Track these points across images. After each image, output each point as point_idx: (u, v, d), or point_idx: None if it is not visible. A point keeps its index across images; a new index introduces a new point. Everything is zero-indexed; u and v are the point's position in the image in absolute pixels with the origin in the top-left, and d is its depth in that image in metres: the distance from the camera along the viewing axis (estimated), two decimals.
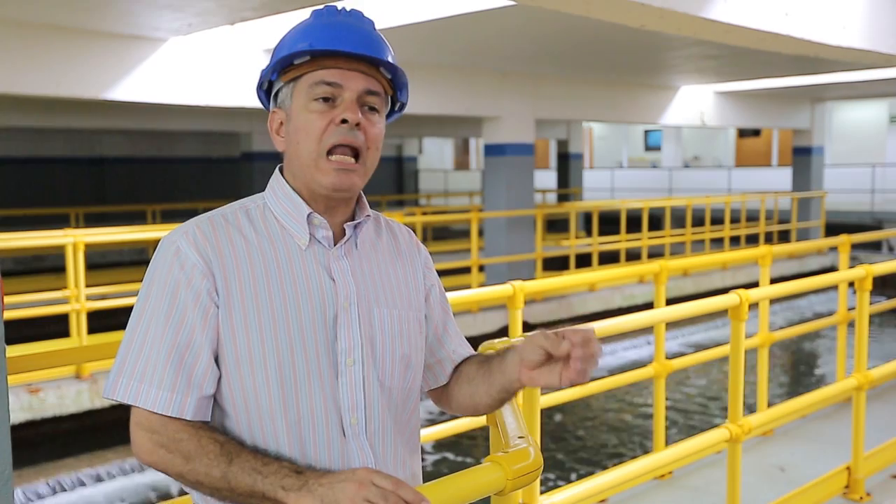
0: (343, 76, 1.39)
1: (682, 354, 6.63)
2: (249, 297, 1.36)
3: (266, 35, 7.66)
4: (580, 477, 6.31)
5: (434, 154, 30.92)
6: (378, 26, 1.48)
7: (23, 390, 6.22)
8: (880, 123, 22.07)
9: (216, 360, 1.36)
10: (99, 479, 6.47)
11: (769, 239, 15.04)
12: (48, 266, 12.03)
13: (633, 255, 12.82)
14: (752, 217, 15.50)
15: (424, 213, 13.97)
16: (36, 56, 6.81)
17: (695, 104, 13.56)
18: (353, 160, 1.39)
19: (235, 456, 1.28)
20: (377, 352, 1.43)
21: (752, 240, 14.59)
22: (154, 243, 12.35)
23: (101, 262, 12.80)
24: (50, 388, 6.30)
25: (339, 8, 1.45)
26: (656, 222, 14.86)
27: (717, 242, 14.36)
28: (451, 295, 1.66)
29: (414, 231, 1.77)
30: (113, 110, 12.22)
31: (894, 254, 15.04)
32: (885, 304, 6.64)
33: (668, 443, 4.19)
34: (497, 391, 1.48)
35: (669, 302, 3.84)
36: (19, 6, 6.28)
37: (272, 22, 7.10)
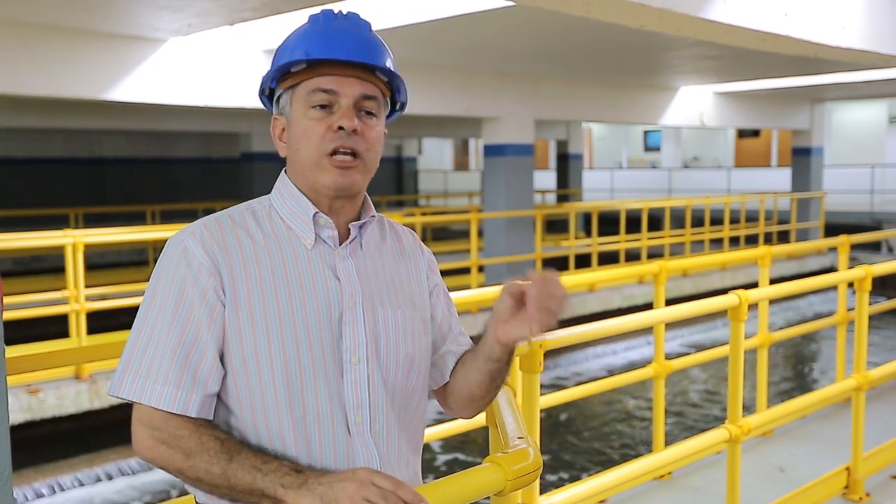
0: (339, 83, 1.41)
1: (681, 355, 6.62)
2: (256, 296, 1.37)
3: (266, 35, 7.66)
4: (576, 479, 6.31)
5: (433, 155, 30.93)
6: (377, 27, 1.49)
7: (22, 391, 6.22)
8: (880, 124, 22.08)
9: (221, 358, 1.37)
10: (98, 480, 6.47)
11: (768, 239, 15.04)
12: (48, 266, 12.02)
13: (633, 256, 12.82)
14: (752, 217, 15.51)
15: (424, 214, 13.97)
16: (36, 56, 6.81)
17: (694, 105, 13.57)
18: (352, 158, 1.41)
19: (236, 453, 1.28)
20: (381, 351, 1.44)
21: (752, 240, 14.59)
22: (153, 244, 12.39)
23: (101, 263, 12.81)
24: (49, 388, 6.29)
25: (336, 12, 1.46)
26: (656, 223, 14.86)
27: (717, 243, 14.36)
28: (450, 295, 1.67)
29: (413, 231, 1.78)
30: (112, 111, 12.22)
31: (894, 254, 15.04)
32: (885, 304, 6.64)
33: (667, 443, 4.19)
34: (482, 361, 1.49)
35: (669, 302, 3.84)
36: (19, 6, 6.28)
37: (272, 22, 7.10)
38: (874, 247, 15.24)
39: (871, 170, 18.88)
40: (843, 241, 5.97)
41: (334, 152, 1.40)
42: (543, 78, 11.10)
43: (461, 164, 32.05)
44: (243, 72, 8.05)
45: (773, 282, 4.78)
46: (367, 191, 1.52)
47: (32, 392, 6.24)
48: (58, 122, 12.57)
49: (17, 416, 6.08)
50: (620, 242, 12.07)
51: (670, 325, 9.66)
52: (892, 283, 11.40)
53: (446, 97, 9.95)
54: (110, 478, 6.51)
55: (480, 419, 2.62)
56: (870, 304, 4.14)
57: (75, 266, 6.63)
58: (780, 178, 19.76)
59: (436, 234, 16.73)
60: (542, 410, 2.77)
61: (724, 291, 3.34)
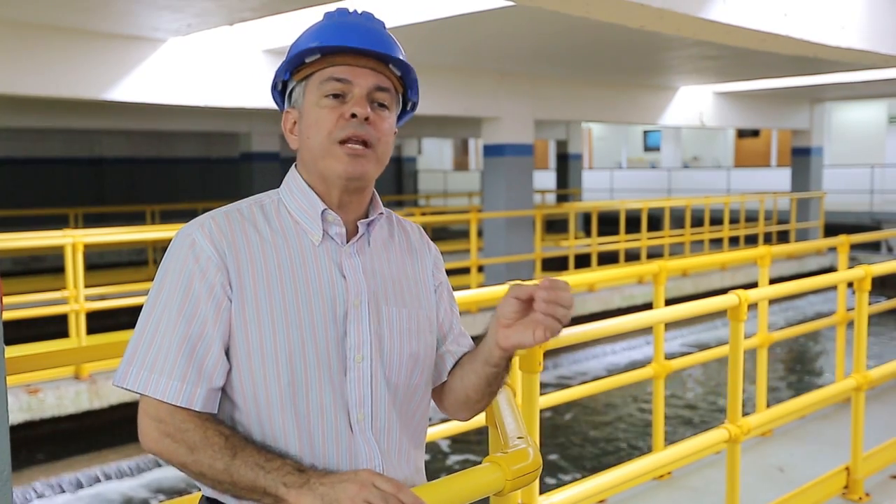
0: (352, 72, 1.41)
1: (681, 355, 6.63)
2: (262, 292, 1.38)
3: (265, 35, 7.66)
4: (575, 479, 6.31)
5: (433, 154, 30.94)
6: None
7: (22, 391, 6.22)
8: (879, 124, 22.08)
9: (227, 353, 1.38)
10: (97, 480, 6.47)
11: (768, 239, 15.04)
12: (47, 266, 12.02)
13: (633, 256, 12.83)
14: (751, 217, 15.51)
15: (424, 214, 13.99)
16: (35, 56, 6.81)
17: (694, 105, 13.56)
18: (363, 146, 1.41)
19: (240, 450, 1.29)
20: (385, 349, 1.44)
21: (751, 240, 14.59)
22: (153, 244, 12.39)
23: (100, 263, 12.81)
24: (49, 388, 6.29)
25: (352, 10, 1.47)
26: (655, 223, 14.87)
27: (716, 243, 14.36)
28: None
29: None
30: (112, 111, 12.22)
31: (893, 254, 15.04)
32: (884, 304, 6.64)
33: (667, 443, 4.19)
34: (480, 364, 1.48)
35: (669, 302, 3.84)
36: (19, 6, 6.28)
37: (271, 22, 7.09)
38: (874, 247, 15.24)
39: (871, 170, 18.89)
40: (843, 241, 5.97)
41: (346, 140, 1.40)
42: (543, 78, 11.10)
43: (461, 164, 32.06)
44: (243, 72, 8.05)
45: (772, 282, 4.78)
46: None
47: (32, 392, 6.23)
48: (57, 122, 12.57)
49: (16, 416, 6.08)
50: (620, 242, 12.07)
51: (670, 325, 9.66)
52: (891, 283, 11.39)
53: (446, 97, 9.95)
54: (110, 478, 6.51)
55: (480, 419, 2.62)
56: (869, 303, 4.14)
57: (75, 266, 6.62)
58: (779, 178, 19.76)
59: (435, 234, 16.75)
60: (541, 410, 2.77)
61: (723, 291, 3.34)
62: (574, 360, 10.04)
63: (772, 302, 9.78)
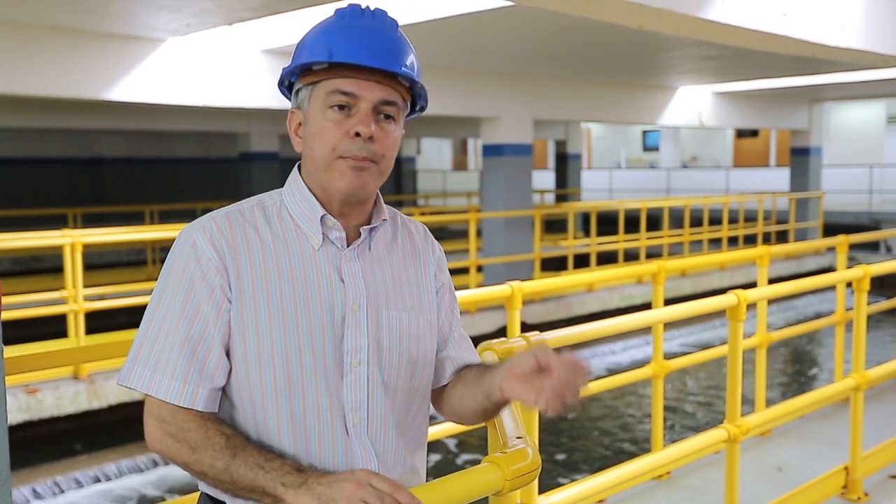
0: (359, 86, 1.40)
1: (680, 354, 6.62)
2: (260, 295, 1.38)
3: (264, 35, 7.66)
4: (574, 479, 6.31)
5: (432, 154, 30.94)
6: None
7: (20, 391, 6.22)
8: (878, 124, 22.09)
9: (227, 354, 1.39)
10: (97, 480, 6.46)
11: (767, 239, 15.05)
12: (46, 266, 12.02)
13: (632, 256, 12.83)
14: (750, 217, 15.51)
15: (423, 214, 13.98)
16: (34, 56, 6.81)
17: (693, 105, 13.57)
18: (366, 162, 1.41)
19: (240, 450, 1.30)
20: (383, 353, 1.44)
21: (750, 240, 14.60)
22: (152, 244, 12.39)
23: (99, 263, 12.80)
24: (48, 388, 6.29)
25: (364, 8, 1.44)
26: (654, 223, 14.88)
27: (715, 243, 14.36)
28: None
29: None
30: (111, 111, 12.21)
31: (892, 254, 15.05)
32: (883, 304, 6.65)
33: (666, 443, 4.19)
34: (481, 395, 1.47)
35: (668, 302, 3.84)
36: (18, 6, 6.28)
37: (270, 22, 7.09)
38: (872, 247, 15.25)
39: (870, 170, 18.90)
40: (842, 240, 5.97)
41: (348, 157, 1.40)
42: (542, 78, 11.10)
43: (460, 164, 32.06)
44: (242, 72, 8.05)
45: (771, 282, 4.78)
46: None
47: (31, 392, 6.23)
48: (56, 122, 12.57)
49: (15, 416, 6.08)
50: (619, 242, 12.07)
51: (669, 325, 9.66)
52: (890, 283, 11.39)
53: (445, 97, 9.95)
54: (109, 478, 6.51)
55: None
56: (868, 303, 4.14)
57: (74, 266, 6.62)
58: (778, 178, 19.77)
59: (434, 234, 16.56)
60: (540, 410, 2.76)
61: (722, 291, 3.34)
62: None
63: (771, 302, 9.78)
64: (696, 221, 14.52)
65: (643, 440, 7.46)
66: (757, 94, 14.24)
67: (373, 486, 1.20)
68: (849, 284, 4.29)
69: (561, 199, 20.01)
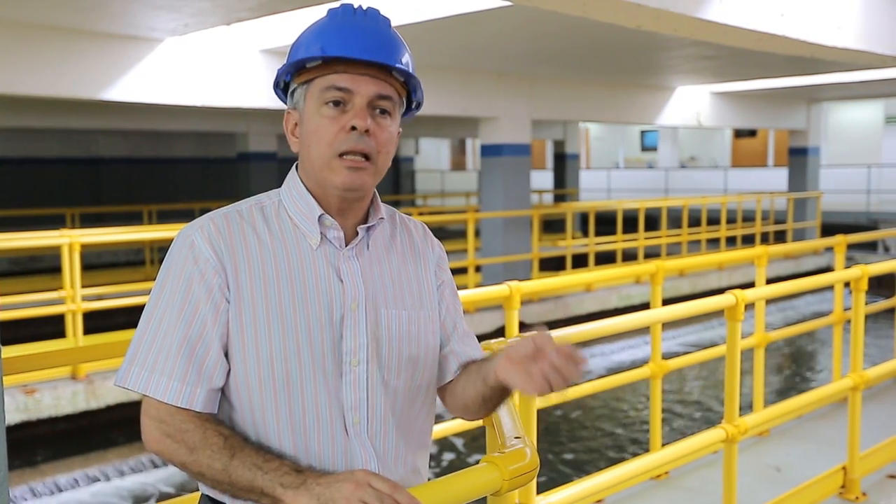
0: (354, 81, 1.40)
1: (678, 354, 6.63)
2: (259, 295, 1.38)
3: (262, 35, 7.65)
4: (572, 479, 6.31)
5: (431, 154, 30.92)
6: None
7: (18, 391, 6.21)
8: (876, 124, 22.11)
9: (225, 354, 1.38)
10: (95, 480, 6.46)
11: (765, 239, 15.06)
12: (44, 266, 12.01)
13: (630, 256, 12.83)
14: (749, 217, 15.53)
15: (421, 214, 13.98)
16: (32, 56, 6.80)
17: (691, 105, 13.58)
18: (363, 159, 1.41)
19: (238, 450, 1.30)
20: (383, 353, 1.44)
21: (749, 240, 14.61)
22: (150, 244, 12.37)
23: (97, 263, 12.79)
24: (46, 388, 6.28)
25: (356, 7, 1.44)
26: (653, 223, 14.88)
27: (714, 243, 14.37)
28: None
29: None
30: (109, 110, 12.20)
31: (890, 254, 15.07)
32: (881, 304, 6.65)
33: (664, 443, 4.19)
34: (480, 381, 1.47)
35: (666, 302, 3.84)
36: (16, 6, 6.27)
37: (268, 22, 7.09)
38: (870, 246, 15.26)
39: (868, 170, 18.91)
40: (840, 240, 5.97)
41: (345, 153, 1.39)
42: (540, 78, 11.10)
43: (458, 163, 32.04)
44: (240, 72, 8.04)
45: (769, 281, 4.79)
46: None
47: (29, 392, 6.23)
48: (55, 122, 12.55)
49: (13, 416, 6.07)
50: (617, 242, 12.08)
51: (667, 325, 9.66)
52: (888, 283, 11.40)
53: (443, 97, 9.95)
54: (108, 478, 6.50)
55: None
56: (866, 303, 4.14)
57: (72, 266, 6.62)
58: (776, 177, 19.77)
59: (433, 234, 16.66)
60: (538, 410, 2.77)
61: (720, 291, 3.34)
62: None
63: (769, 302, 9.79)
64: (695, 221, 14.53)
65: (642, 440, 7.47)
66: (755, 94, 14.25)
67: (372, 487, 1.19)
68: (847, 284, 4.29)
69: (559, 199, 20.01)
